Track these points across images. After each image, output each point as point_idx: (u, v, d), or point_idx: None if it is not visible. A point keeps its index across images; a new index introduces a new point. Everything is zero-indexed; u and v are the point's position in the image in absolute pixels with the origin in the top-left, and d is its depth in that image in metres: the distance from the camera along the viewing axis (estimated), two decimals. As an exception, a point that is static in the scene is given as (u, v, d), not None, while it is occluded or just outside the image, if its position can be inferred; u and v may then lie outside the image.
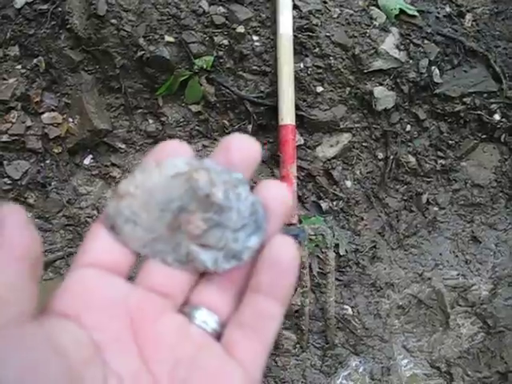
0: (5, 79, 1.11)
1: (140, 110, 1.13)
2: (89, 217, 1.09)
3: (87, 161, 1.11)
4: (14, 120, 1.09)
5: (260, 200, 0.27)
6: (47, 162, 1.10)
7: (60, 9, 1.11)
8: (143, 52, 1.09)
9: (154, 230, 0.26)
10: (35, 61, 1.12)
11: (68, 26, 1.11)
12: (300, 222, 1.10)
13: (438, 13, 1.16)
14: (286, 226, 1.05)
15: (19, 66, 1.12)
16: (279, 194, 0.27)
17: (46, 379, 0.20)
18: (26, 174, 1.08)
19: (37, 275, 0.23)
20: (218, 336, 0.26)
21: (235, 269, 0.26)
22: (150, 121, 1.12)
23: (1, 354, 0.19)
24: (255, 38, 1.12)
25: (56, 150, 1.09)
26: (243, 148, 0.27)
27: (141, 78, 1.12)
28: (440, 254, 1.18)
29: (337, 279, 1.11)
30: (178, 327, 0.25)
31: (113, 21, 1.09)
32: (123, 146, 1.11)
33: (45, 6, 1.12)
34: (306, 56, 1.13)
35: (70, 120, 1.10)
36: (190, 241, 0.26)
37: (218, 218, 0.26)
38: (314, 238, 1.12)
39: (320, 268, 1.12)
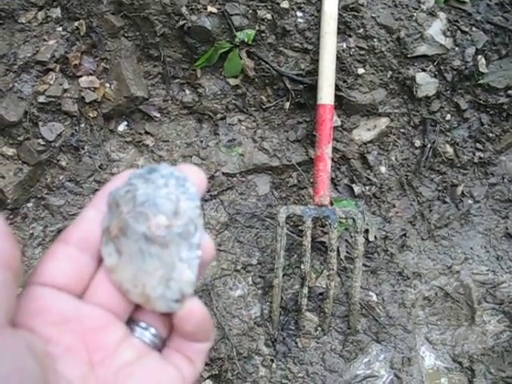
0: (45, 40, 1.19)
1: (177, 80, 1.21)
2: (120, 183, 1.18)
3: (121, 127, 1.20)
4: (51, 82, 1.18)
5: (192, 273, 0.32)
6: (82, 125, 1.18)
7: (104, -28, 1.19)
8: (185, 21, 1.17)
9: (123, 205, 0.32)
10: (76, 24, 1.20)
11: (111, -10, 1.19)
12: (331, 204, 1.17)
13: (490, 0, 1.22)
14: (317, 207, 1.13)
15: (60, 28, 1.20)
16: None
17: (29, 382, 0.24)
18: (60, 136, 1.17)
19: (18, 283, 0.27)
20: (157, 347, 0.33)
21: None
22: (187, 91, 1.20)
23: None
24: (299, 14, 1.19)
25: (91, 115, 1.18)
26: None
27: (180, 47, 1.20)
28: (471, 248, 1.25)
29: (364, 265, 1.18)
30: (122, 337, 0.31)
31: (157, -12, 1.17)
32: (158, 115, 1.20)
33: (89, -31, 1.19)
34: (350, 36, 1.20)
35: (107, 85, 1.19)
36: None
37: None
38: (344, 221, 1.19)
39: (348, 252, 1.20)
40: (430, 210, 1.26)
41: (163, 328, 0.33)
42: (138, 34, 1.21)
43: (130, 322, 0.32)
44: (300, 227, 1.20)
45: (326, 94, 1.16)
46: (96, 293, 0.31)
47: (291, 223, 1.20)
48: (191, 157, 1.19)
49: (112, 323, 0.31)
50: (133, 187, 0.31)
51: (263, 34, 1.19)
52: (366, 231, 1.22)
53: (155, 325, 0.32)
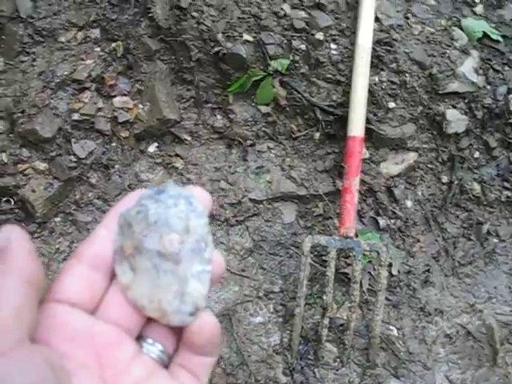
0: (83, 60, 1.24)
1: (209, 105, 1.25)
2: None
3: (152, 148, 1.23)
4: (86, 100, 1.22)
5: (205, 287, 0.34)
6: (113, 144, 1.22)
7: (142, -3, 1.24)
8: (220, 48, 1.21)
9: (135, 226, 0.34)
10: (114, 45, 1.25)
11: (150, 15, 1.24)
12: (356, 235, 1.19)
13: (524, 42, 1.25)
14: (342, 238, 1.15)
15: (98, 49, 1.25)
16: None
17: None
18: (92, 154, 1.21)
19: (39, 299, 0.29)
20: (164, 363, 0.34)
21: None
22: (219, 116, 1.23)
23: (9, 373, 0.25)
24: (333, 46, 1.23)
25: (123, 134, 1.22)
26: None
27: (214, 73, 1.24)
28: (495, 288, 1.26)
29: (386, 298, 1.20)
30: (134, 354, 0.32)
31: (194, 14, 1.22)
32: (189, 138, 1.23)
33: (128, -8, 1.24)
34: (382, 70, 1.23)
35: (140, 106, 1.23)
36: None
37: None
38: (368, 253, 1.21)
39: (370, 285, 1.21)
40: (455, 247, 1.28)
41: (169, 344, 0.34)
42: (173, 57, 1.25)
43: (138, 339, 0.34)
44: (324, 257, 1.22)
45: (357, 127, 1.18)
46: (108, 310, 0.33)
47: (315, 253, 1.22)
48: (219, 181, 1.22)
49: (124, 340, 0.32)
50: (144, 208, 0.34)
51: (297, 64, 1.23)
52: (390, 265, 1.24)
53: (161, 341, 0.34)
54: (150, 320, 0.34)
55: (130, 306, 0.33)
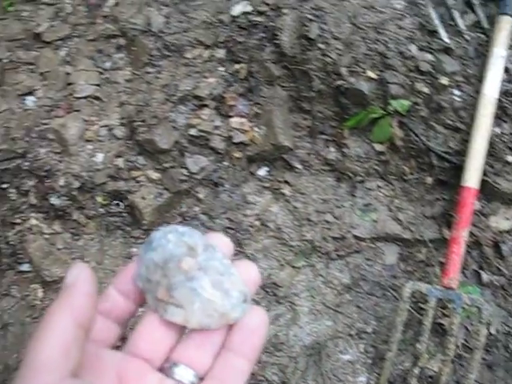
0: (206, 77, 1.29)
1: (324, 136, 1.27)
2: (251, 226, 1.24)
3: (262, 172, 1.26)
4: (204, 117, 1.26)
5: (246, 285, 0.37)
6: (225, 163, 1.26)
7: (273, 24, 1.28)
8: (342, 82, 1.23)
9: (153, 274, 0.37)
10: (237, 67, 1.29)
11: (276, 41, 1.27)
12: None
13: None
14: (444, 289, 1.14)
15: (222, 69, 1.30)
16: (252, 273, 0.38)
17: None
18: (203, 169, 1.25)
19: (87, 340, 0.32)
20: None
21: (212, 330, 0.36)
22: (332, 149, 1.25)
23: None
24: (456, 92, 1.23)
25: (236, 155, 1.25)
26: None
27: (333, 105, 1.26)
28: None
29: (481, 357, 1.17)
30: (158, 383, 0.34)
31: (321, 45, 1.24)
32: (299, 167, 1.26)
33: (259, 19, 1.29)
34: (505, 122, 1.22)
35: (256, 129, 1.26)
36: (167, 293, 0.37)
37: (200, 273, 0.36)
38: (468, 307, 1.19)
39: (465, 340, 1.19)
40: (559, 314, 1.24)
41: (201, 366, 0.35)
42: (293, 85, 1.28)
43: (171, 365, 0.36)
44: (421, 305, 1.21)
45: (472, 177, 1.17)
46: (135, 345, 0.36)
47: (413, 299, 1.21)
48: (325, 213, 1.24)
49: (149, 371, 0.35)
50: (151, 263, 0.38)
51: (417, 107, 1.23)
52: (489, 323, 1.21)
53: (193, 364, 0.35)
54: (181, 346, 0.36)
55: (156, 339, 0.36)
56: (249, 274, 0.38)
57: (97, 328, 0.35)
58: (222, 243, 0.39)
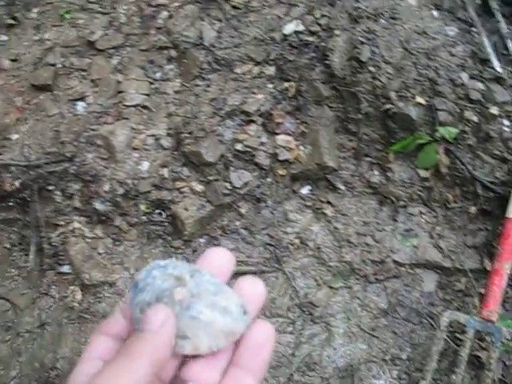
0: (254, 93, 1.31)
1: (368, 159, 1.27)
2: (290, 243, 1.24)
3: (305, 190, 1.27)
4: (251, 133, 1.28)
5: (241, 297, 0.37)
6: (268, 179, 1.27)
7: (324, 44, 1.30)
8: (391, 106, 1.24)
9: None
10: (286, 85, 1.31)
11: (326, 62, 1.29)
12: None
13: None
14: (483, 321, 1.13)
15: (270, 86, 1.31)
16: (257, 289, 0.38)
17: None
18: (247, 184, 1.27)
19: (158, 378, 0.32)
20: None
21: (222, 349, 0.36)
22: (376, 172, 1.26)
23: None
24: (506, 122, 1.22)
25: (280, 172, 1.27)
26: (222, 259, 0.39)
27: (379, 128, 1.26)
28: None
29: (517, 393, 1.15)
30: None
31: (371, 68, 1.25)
32: (342, 188, 1.26)
33: (310, 38, 1.31)
34: (554, 156, 1.20)
35: (302, 148, 1.27)
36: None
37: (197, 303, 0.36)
38: (506, 342, 1.17)
39: (502, 375, 1.18)
40: None
41: (213, 380, 0.35)
42: (341, 106, 1.29)
43: (177, 382, 0.35)
44: (458, 335, 1.20)
45: (518, 210, 1.16)
46: None
47: (450, 328, 1.20)
48: (365, 236, 1.24)
49: None
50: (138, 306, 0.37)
51: (465, 135, 1.23)
52: (527, 358, 1.19)
53: (202, 382, 0.35)
54: (189, 364, 0.36)
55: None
56: (254, 289, 0.38)
57: (103, 348, 0.36)
58: (223, 257, 0.39)
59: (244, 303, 0.36)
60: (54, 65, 1.47)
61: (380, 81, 1.25)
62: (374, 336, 1.20)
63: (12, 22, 1.56)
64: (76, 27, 1.52)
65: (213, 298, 0.36)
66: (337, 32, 1.30)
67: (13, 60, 1.53)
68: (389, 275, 1.23)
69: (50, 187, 1.36)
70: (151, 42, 1.43)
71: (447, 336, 1.19)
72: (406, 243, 1.25)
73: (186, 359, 0.37)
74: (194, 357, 0.36)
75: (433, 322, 1.21)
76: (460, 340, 1.16)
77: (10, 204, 1.39)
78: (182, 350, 0.35)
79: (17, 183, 1.37)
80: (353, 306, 1.22)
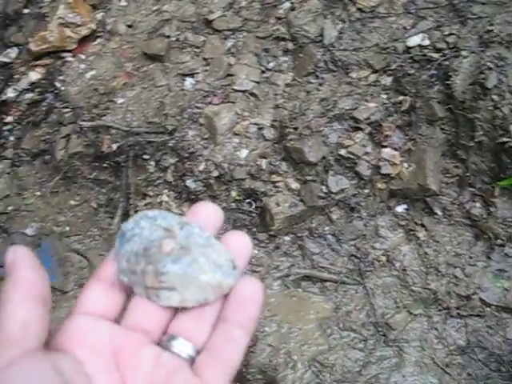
0: (366, 101, 1.29)
1: (472, 189, 1.23)
2: (376, 259, 1.22)
3: (400, 209, 1.24)
4: (357, 140, 1.26)
5: (230, 252, 0.36)
6: (365, 190, 1.25)
7: (448, 63, 1.26)
8: (508, 139, 1.19)
9: (135, 264, 0.36)
10: (401, 98, 1.28)
11: (447, 82, 1.25)
12: None
13: None
14: None
15: (384, 96, 1.29)
16: (244, 244, 0.37)
17: None
18: (343, 191, 1.25)
19: (47, 312, 0.32)
20: (191, 359, 0.35)
21: (210, 303, 0.35)
22: (477, 204, 1.22)
23: (14, 382, 0.28)
24: None
25: (379, 185, 1.24)
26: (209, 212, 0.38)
27: (490, 160, 1.22)
28: None
29: None
30: (154, 356, 0.34)
31: (495, 97, 1.21)
32: (440, 213, 1.23)
33: (435, 55, 1.27)
34: None
35: (405, 165, 1.25)
36: (155, 278, 0.35)
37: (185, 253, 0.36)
38: None
39: None
40: None
41: (199, 338, 0.35)
42: (454, 130, 1.26)
43: (168, 338, 0.35)
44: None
45: None
46: (131, 315, 0.36)
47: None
48: (455, 267, 1.20)
49: (144, 345, 0.34)
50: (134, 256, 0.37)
51: None
52: None
53: (192, 337, 0.35)
54: (178, 319, 0.36)
55: (153, 312, 0.36)
56: (240, 243, 0.37)
57: (95, 300, 0.35)
58: (211, 212, 0.38)
59: (233, 258, 0.36)
60: (168, 37, 1.48)
61: (502, 111, 1.20)
62: (446, 372, 1.16)
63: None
64: (195, 3, 1.53)
65: (203, 250, 0.36)
66: (464, 53, 1.26)
67: (129, 26, 1.56)
68: (472, 313, 1.19)
69: (146, 156, 1.38)
70: (269, 30, 1.42)
71: (523, 388, 1.15)
72: (496, 283, 1.20)
73: (174, 315, 0.36)
74: (183, 310, 0.36)
75: (511, 370, 1.16)
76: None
77: (104, 165, 1.42)
78: (166, 301, 0.35)
79: (114, 146, 1.40)
80: (429, 336, 1.19)
